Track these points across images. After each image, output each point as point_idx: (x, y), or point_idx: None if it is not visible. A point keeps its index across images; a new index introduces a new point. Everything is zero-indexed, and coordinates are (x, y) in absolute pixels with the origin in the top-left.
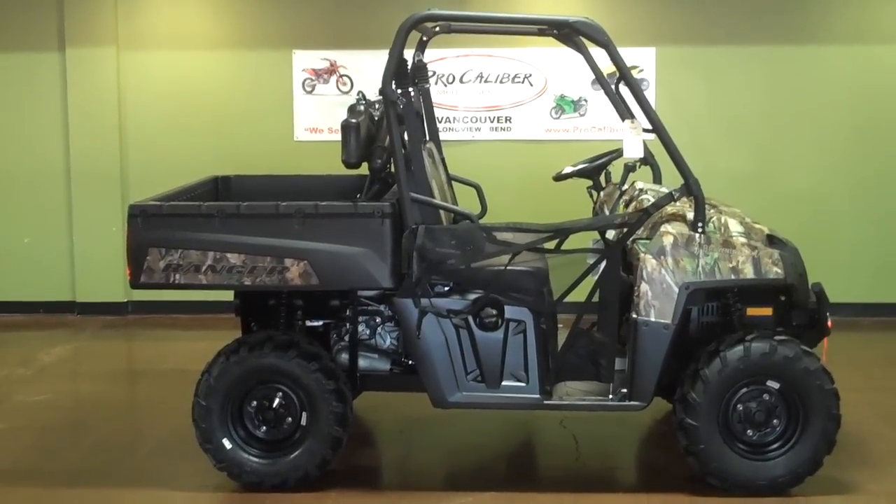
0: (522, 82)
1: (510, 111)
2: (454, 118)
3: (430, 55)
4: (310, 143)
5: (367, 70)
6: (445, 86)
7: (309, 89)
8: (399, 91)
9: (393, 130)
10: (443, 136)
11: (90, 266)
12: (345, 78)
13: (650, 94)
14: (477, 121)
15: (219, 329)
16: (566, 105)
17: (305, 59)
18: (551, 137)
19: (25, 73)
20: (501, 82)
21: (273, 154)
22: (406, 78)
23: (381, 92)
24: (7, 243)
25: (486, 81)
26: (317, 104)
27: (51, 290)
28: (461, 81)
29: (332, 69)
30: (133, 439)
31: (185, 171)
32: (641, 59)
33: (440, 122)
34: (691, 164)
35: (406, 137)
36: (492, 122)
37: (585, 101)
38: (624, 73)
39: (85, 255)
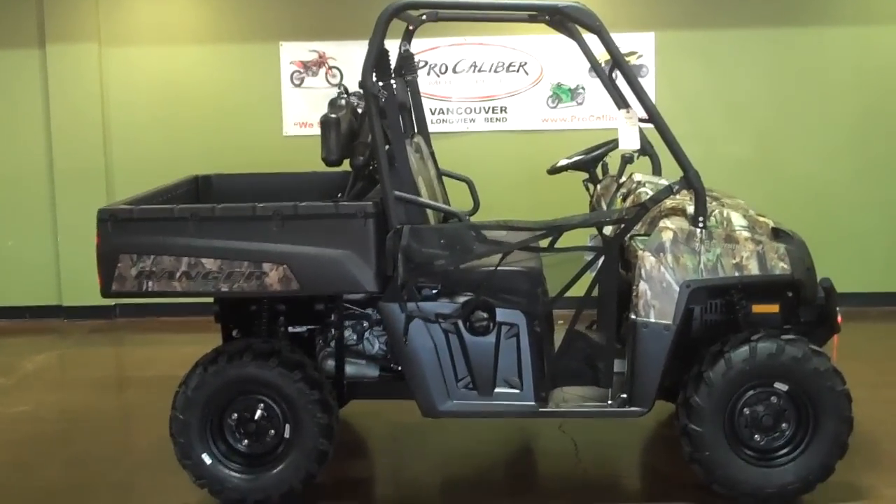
0: (518, 71)
1: (505, 101)
2: (448, 109)
3: (421, 44)
4: (299, 137)
5: (357, 61)
6: (438, 76)
7: (297, 82)
8: (381, 83)
9: (374, 125)
10: (436, 127)
11: (76, 268)
12: (334, 70)
13: (649, 81)
14: (471, 112)
15: (209, 332)
16: (563, 94)
17: (293, 52)
18: (548, 127)
19: (5, 71)
20: (496, 71)
21: (262, 150)
22: (388, 69)
23: (361, 85)
24: None
25: (480, 71)
26: (306, 97)
27: (36, 295)
28: (454, 71)
29: (320, 61)
30: (115, 453)
31: (171, 168)
32: (640, 44)
33: (433, 113)
34: (692, 152)
35: (389, 132)
36: (487, 112)
37: (583, 89)
38: (617, 60)
39: (71, 258)
